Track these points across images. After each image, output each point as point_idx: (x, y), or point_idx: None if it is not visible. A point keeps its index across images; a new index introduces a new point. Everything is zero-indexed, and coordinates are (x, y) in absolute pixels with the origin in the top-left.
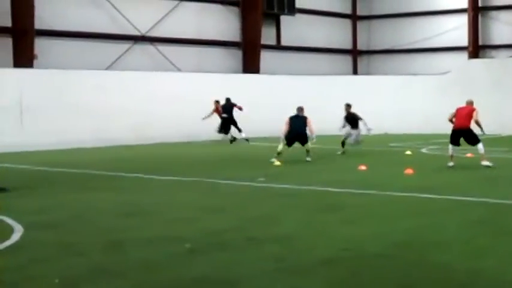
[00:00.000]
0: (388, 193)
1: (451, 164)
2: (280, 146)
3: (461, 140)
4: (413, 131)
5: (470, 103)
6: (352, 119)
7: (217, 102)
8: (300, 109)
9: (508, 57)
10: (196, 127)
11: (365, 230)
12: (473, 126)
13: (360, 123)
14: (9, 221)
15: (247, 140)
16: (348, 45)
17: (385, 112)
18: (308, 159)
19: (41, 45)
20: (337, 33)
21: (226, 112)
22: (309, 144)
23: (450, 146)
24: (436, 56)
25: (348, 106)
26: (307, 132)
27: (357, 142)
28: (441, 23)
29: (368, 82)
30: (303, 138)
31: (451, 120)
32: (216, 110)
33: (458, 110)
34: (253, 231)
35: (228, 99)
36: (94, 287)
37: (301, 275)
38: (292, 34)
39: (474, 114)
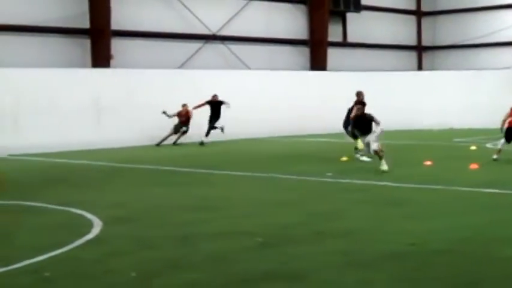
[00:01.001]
0: (453, 188)
1: (495, 156)
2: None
3: None
4: (478, 126)
5: None
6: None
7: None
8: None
9: None
10: (265, 124)
11: (430, 225)
12: None
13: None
14: (89, 215)
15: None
16: (413, 41)
17: (450, 107)
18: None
19: (117, 45)
20: (402, 30)
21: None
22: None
23: (502, 141)
24: (501, 51)
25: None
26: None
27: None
28: (506, 18)
29: (433, 78)
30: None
31: (503, 122)
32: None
33: None
34: (320, 226)
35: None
36: (168, 280)
37: (368, 268)
38: (357, 31)
39: None
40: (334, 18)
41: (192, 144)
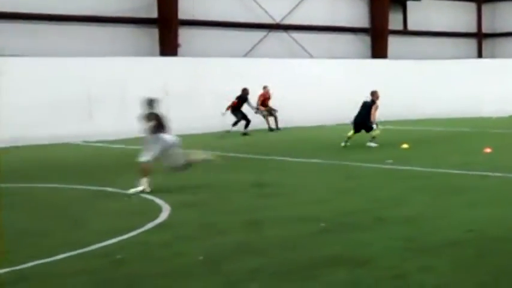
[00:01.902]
0: None
1: None
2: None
3: None
4: None
5: None
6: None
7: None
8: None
9: None
10: (328, 112)
11: (490, 213)
12: None
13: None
14: (158, 200)
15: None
16: (473, 28)
17: (511, 95)
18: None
19: (184, 34)
20: (461, 17)
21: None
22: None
23: None
24: None
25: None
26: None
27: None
28: None
29: (493, 65)
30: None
31: None
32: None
33: None
34: (382, 212)
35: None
36: (235, 265)
37: (429, 254)
38: (418, 19)
39: None
40: (394, 6)
41: (258, 131)
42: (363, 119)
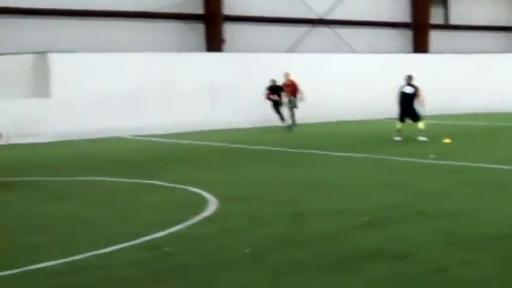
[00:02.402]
0: None
1: None
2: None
3: None
4: None
5: None
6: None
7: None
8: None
9: None
10: (370, 106)
11: None
12: None
13: None
14: (206, 194)
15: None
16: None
17: None
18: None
19: (228, 30)
20: (504, 10)
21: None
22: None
23: None
24: None
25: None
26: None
27: None
28: None
29: None
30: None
31: None
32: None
33: None
34: (424, 206)
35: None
36: (279, 257)
37: (470, 249)
38: (459, 13)
39: None
40: (436, 0)
41: (300, 125)
42: (409, 109)
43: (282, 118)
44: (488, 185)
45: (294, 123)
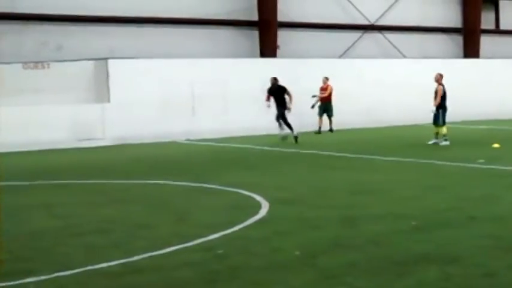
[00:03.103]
0: None
1: None
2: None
3: None
4: None
5: None
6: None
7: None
8: None
9: None
10: (420, 111)
11: None
12: None
13: None
14: (257, 197)
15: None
16: None
17: None
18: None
19: (282, 36)
20: None
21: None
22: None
23: None
24: None
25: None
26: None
27: None
28: None
29: None
30: None
31: None
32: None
33: None
34: (473, 211)
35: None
36: (330, 259)
37: None
38: (511, 18)
39: None
40: (487, 5)
41: (346, 131)
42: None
43: (282, 125)
44: None
45: (330, 130)
